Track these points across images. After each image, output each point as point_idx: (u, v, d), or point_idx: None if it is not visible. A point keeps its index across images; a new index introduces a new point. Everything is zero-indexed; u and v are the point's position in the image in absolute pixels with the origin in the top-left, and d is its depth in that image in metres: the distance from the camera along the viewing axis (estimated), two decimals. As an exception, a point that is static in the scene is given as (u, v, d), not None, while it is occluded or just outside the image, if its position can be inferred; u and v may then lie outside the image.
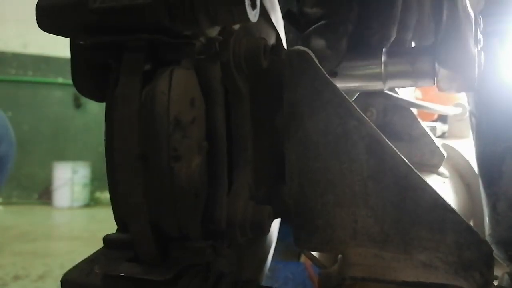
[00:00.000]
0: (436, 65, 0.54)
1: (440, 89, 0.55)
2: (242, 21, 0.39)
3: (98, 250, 0.45)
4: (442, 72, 0.54)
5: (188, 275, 0.40)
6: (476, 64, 0.51)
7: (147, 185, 0.38)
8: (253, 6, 0.39)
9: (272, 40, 0.58)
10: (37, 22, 0.40)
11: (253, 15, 0.39)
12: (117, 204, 0.42)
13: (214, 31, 0.42)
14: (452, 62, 0.52)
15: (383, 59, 0.58)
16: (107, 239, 0.43)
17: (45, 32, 0.41)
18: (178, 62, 0.40)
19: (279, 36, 0.62)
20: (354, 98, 0.77)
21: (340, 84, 0.60)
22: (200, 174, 0.42)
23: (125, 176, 0.37)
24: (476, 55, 0.51)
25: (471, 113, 0.63)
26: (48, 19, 0.40)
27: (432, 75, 0.55)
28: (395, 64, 0.58)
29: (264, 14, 0.58)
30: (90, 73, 0.43)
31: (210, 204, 0.45)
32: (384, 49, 0.59)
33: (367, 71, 0.60)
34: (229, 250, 0.44)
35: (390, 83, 0.59)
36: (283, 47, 0.63)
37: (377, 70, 0.59)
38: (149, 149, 0.37)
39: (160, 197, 0.38)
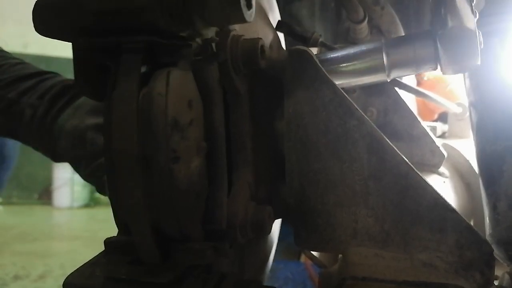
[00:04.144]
0: (438, 48, 0.54)
1: (443, 72, 0.55)
2: (238, 21, 0.39)
3: (99, 253, 0.45)
4: (444, 54, 0.53)
5: (190, 277, 0.40)
6: (478, 40, 0.51)
7: (146, 187, 0.38)
8: (249, 6, 0.38)
9: (270, 40, 0.58)
10: (34, 26, 0.40)
11: (249, 15, 0.39)
12: (117, 207, 0.42)
13: (210, 32, 0.42)
14: (453, 41, 0.52)
15: (384, 49, 0.58)
16: (108, 242, 0.43)
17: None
18: (175, 63, 0.40)
19: (277, 36, 0.62)
20: (353, 95, 0.77)
21: (343, 81, 0.60)
22: (200, 175, 0.42)
23: (124, 178, 0.37)
24: (477, 31, 0.51)
25: (471, 104, 0.63)
26: (45, 22, 0.40)
27: (434, 59, 0.55)
28: (397, 53, 0.57)
29: (262, 14, 0.58)
30: (90, 74, 0.43)
31: (210, 205, 0.45)
32: (383, 40, 0.59)
33: (369, 64, 0.59)
34: (231, 250, 0.44)
35: (394, 73, 0.59)
36: (282, 47, 0.63)
37: (380, 62, 0.58)
38: (147, 151, 0.37)
39: (160, 198, 0.38)
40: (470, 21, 0.51)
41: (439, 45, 0.53)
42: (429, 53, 0.55)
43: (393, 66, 0.58)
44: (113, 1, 0.37)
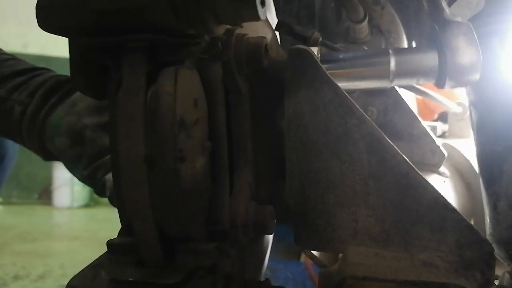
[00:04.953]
0: (440, 60, 0.55)
1: (440, 87, 0.56)
2: (251, 19, 0.39)
3: (102, 255, 0.45)
4: (447, 67, 0.54)
5: (196, 277, 0.40)
6: (480, 55, 0.51)
7: (152, 187, 0.37)
8: (263, 4, 0.38)
9: (269, 40, 0.57)
10: (38, 21, 0.40)
11: (263, 13, 0.38)
12: (122, 206, 0.42)
13: (221, 30, 0.41)
14: (456, 55, 0.53)
15: (391, 58, 0.58)
16: (111, 244, 0.43)
17: (45, 32, 0.41)
18: (182, 62, 0.39)
19: (275, 35, 0.62)
20: (354, 94, 0.78)
21: (345, 83, 0.60)
22: (204, 174, 0.42)
23: (131, 177, 0.37)
24: (479, 46, 0.52)
25: (471, 104, 0.63)
26: (49, 18, 0.40)
27: (437, 72, 0.56)
28: (402, 63, 0.58)
29: None
30: (90, 73, 0.43)
31: (212, 205, 0.45)
32: (390, 49, 0.60)
33: (374, 71, 0.60)
34: (233, 250, 0.44)
35: (397, 82, 0.60)
36: (280, 46, 0.63)
37: (385, 69, 0.59)
38: (154, 150, 0.37)
39: (165, 198, 0.38)
40: (472, 34, 0.52)
41: (441, 58, 0.54)
42: (433, 65, 0.56)
43: (398, 75, 0.59)
44: (115, 0, 0.37)
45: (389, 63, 0.59)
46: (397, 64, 0.59)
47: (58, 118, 0.80)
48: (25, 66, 0.90)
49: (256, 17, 0.38)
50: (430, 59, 0.57)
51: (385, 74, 0.59)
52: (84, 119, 0.78)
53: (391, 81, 0.60)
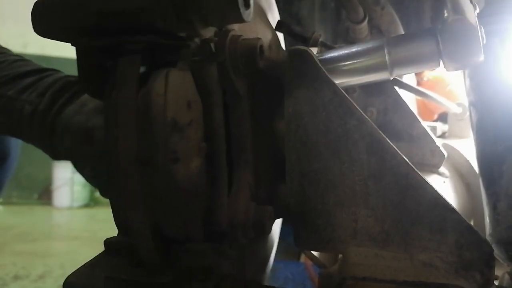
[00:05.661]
0: (440, 45, 0.54)
1: (447, 69, 0.54)
2: (236, 21, 0.39)
3: (99, 254, 0.45)
4: (445, 50, 0.53)
5: (190, 277, 0.40)
6: (480, 36, 0.51)
7: (146, 187, 0.38)
8: (247, 6, 0.38)
9: (269, 40, 0.57)
10: (33, 27, 0.40)
11: (247, 15, 0.38)
12: (117, 207, 0.42)
13: (208, 32, 0.42)
14: (455, 38, 0.52)
15: (385, 47, 0.57)
16: (108, 243, 0.43)
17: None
18: (174, 64, 0.40)
19: (277, 36, 0.62)
20: (354, 94, 0.77)
21: (344, 79, 0.60)
22: (200, 175, 0.42)
23: (125, 178, 0.38)
24: (478, 27, 0.51)
25: (471, 104, 0.63)
26: (45, 23, 0.40)
27: (436, 56, 0.55)
28: (399, 51, 0.57)
29: (261, 14, 0.58)
30: (91, 73, 0.44)
31: (211, 206, 0.45)
32: (384, 38, 0.59)
33: (371, 62, 0.59)
34: (231, 251, 0.44)
35: (397, 71, 0.58)
36: (281, 46, 0.63)
37: (382, 60, 0.58)
38: (147, 152, 0.37)
39: (160, 199, 0.38)
40: (471, 15, 0.50)
41: (440, 41, 0.52)
42: (431, 50, 0.54)
43: (396, 64, 0.57)
44: (114, 2, 0.37)
45: (384, 53, 0.57)
46: (392, 53, 0.57)
47: (68, 117, 0.80)
48: (34, 67, 0.91)
49: (241, 19, 0.38)
50: (427, 42, 0.55)
51: (382, 65, 0.58)
52: (93, 119, 0.78)
53: (391, 72, 0.58)
